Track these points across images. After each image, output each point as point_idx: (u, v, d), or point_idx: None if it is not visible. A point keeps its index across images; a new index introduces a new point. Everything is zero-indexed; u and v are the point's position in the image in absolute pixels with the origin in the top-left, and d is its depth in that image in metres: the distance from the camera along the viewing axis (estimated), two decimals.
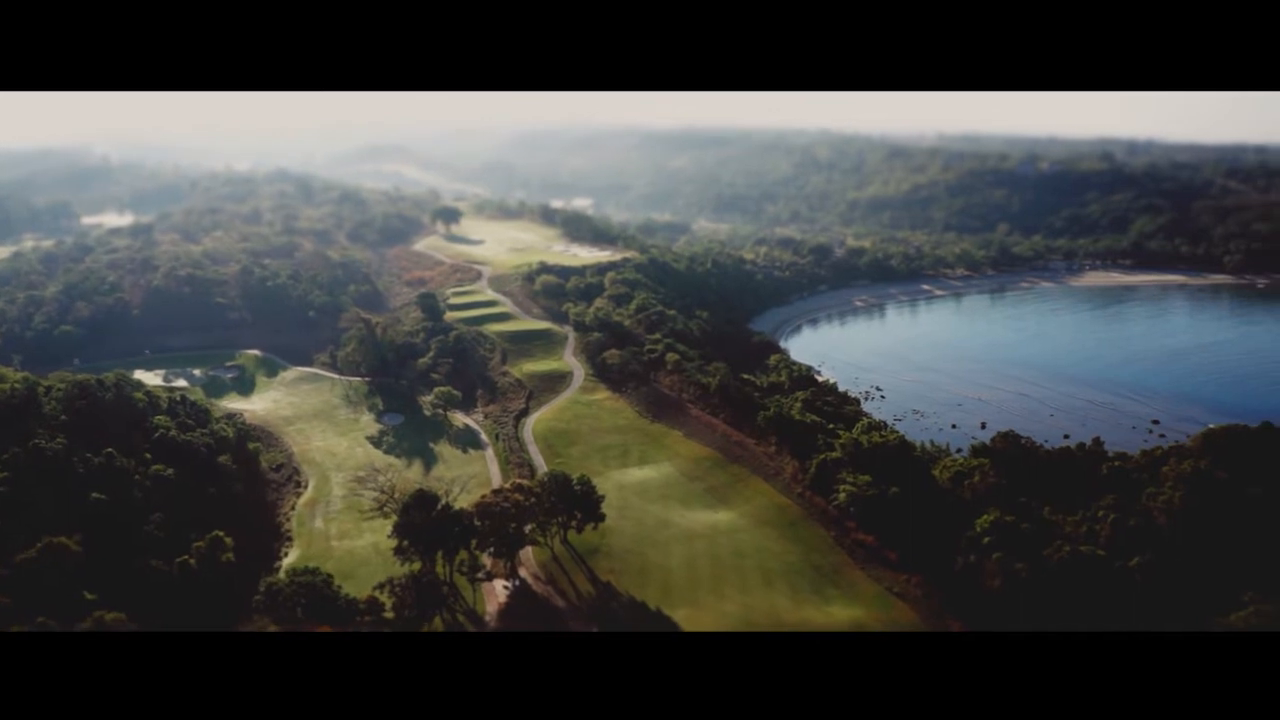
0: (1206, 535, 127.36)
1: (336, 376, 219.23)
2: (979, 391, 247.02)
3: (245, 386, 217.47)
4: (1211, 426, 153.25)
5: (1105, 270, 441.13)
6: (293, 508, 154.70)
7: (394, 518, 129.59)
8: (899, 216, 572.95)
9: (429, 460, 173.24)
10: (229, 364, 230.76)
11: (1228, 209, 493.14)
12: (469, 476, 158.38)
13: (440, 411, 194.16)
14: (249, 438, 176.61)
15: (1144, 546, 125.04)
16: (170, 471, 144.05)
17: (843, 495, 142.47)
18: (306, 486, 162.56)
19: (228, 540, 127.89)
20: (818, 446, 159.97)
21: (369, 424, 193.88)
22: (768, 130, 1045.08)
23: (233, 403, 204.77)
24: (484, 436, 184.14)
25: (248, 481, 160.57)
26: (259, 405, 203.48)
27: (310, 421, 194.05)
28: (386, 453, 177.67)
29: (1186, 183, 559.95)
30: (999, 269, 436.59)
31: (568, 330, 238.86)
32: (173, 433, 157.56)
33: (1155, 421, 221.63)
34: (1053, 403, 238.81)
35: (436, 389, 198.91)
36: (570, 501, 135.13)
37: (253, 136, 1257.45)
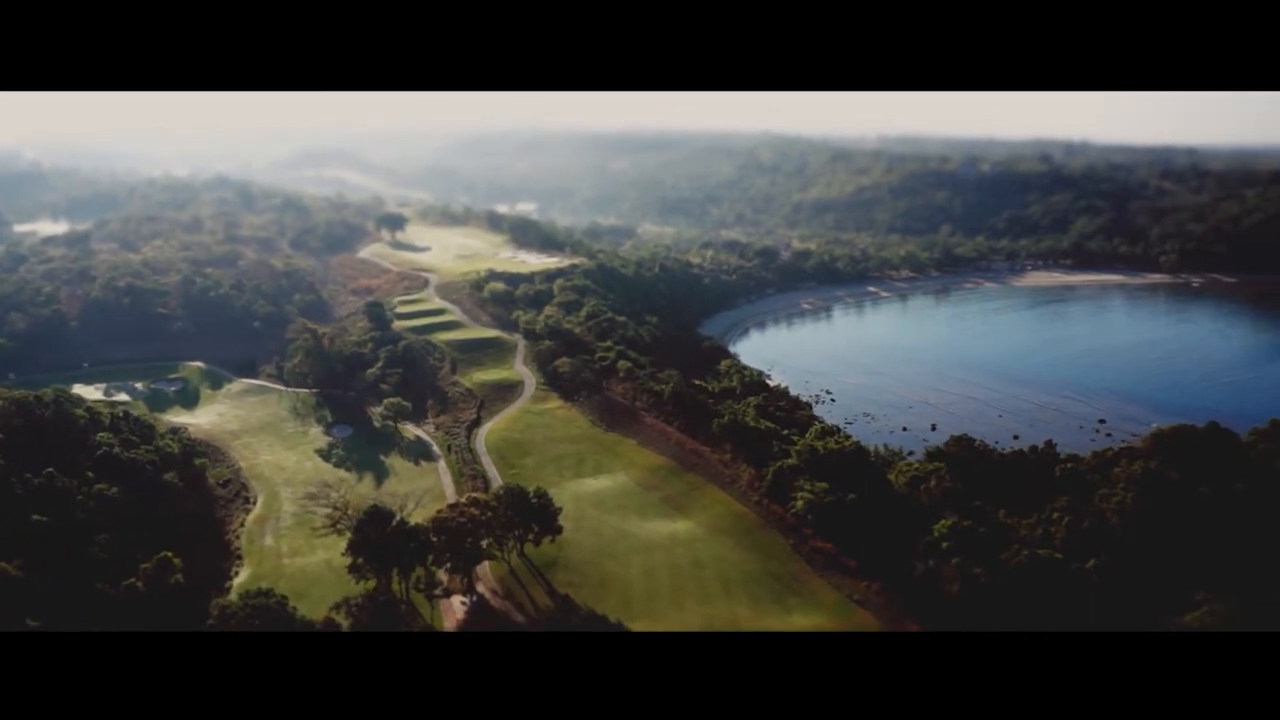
0: (1159, 535, 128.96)
1: (283, 388, 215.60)
2: (927, 394, 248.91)
3: (189, 399, 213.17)
4: (1161, 427, 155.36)
5: (1047, 270, 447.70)
6: (242, 525, 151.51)
7: (348, 535, 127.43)
8: (843, 218, 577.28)
9: (380, 473, 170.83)
10: (172, 376, 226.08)
11: (1163, 210, 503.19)
12: (423, 491, 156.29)
13: (390, 423, 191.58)
14: (195, 453, 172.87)
15: (1098, 548, 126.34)
16: (114, 491, 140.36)
17: (800, 503, 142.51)
18: (255, 502, 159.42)
19: (176, 561, 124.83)
20: (773, 453, 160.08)
21: (318, 437, 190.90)
22: (709, 133, 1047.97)
23: (177, 416, 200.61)
24: (436, 448, 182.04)
25: (195, 499, 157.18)
26: (204, 419, 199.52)
27: (257, 435, 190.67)
28: (336, 466, 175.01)
29: (1123, 184, 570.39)
30: (943, 270, 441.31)
31: (517, 338, 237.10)
32: (116, 450, 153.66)
33: (1101, 421, 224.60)
34: (1000, 404, 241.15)
35: (386, 400, 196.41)
36: (527, 514, 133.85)
37: (187, 141, 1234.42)
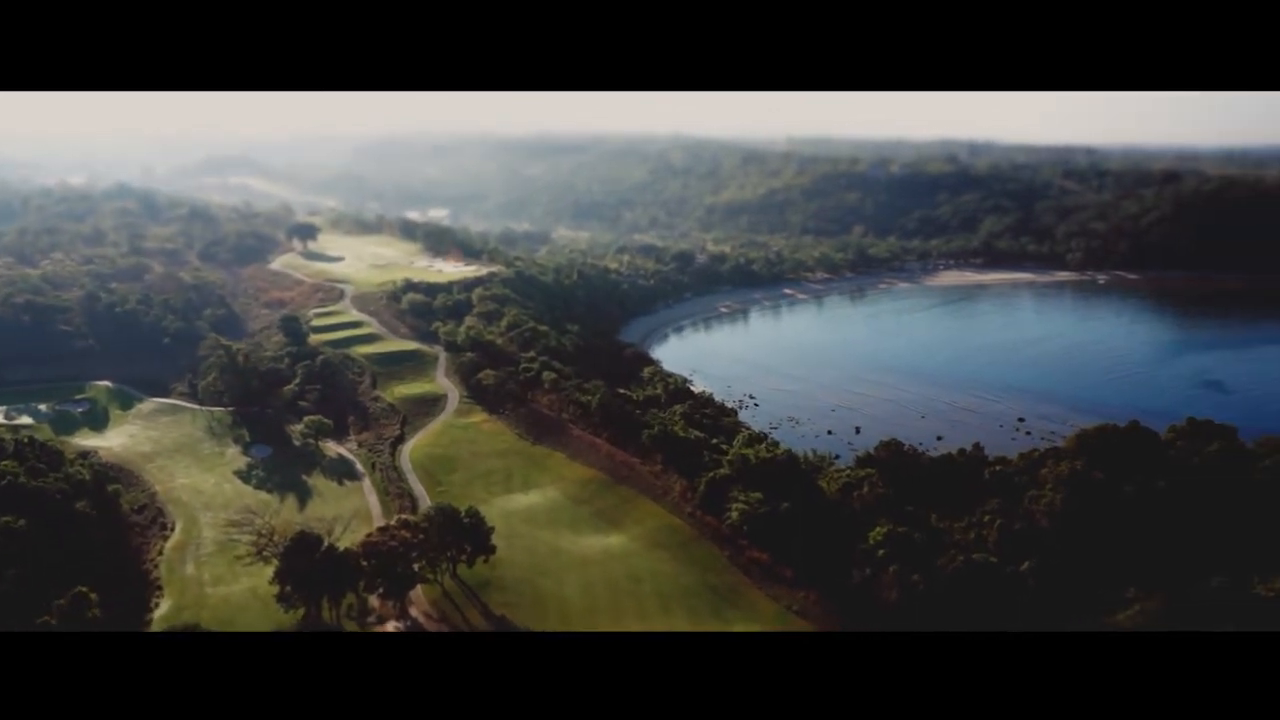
0: (1087, 535, 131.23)
1: (197, 407, 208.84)
2: (849, 396, 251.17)
3: (98, 421, 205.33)
4: (1085, 428, 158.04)
5: (959, 269, 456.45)
6: (160, 553, 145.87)
7: (274, 562, 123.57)
8: (756, 221, 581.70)
9: (303, 494, 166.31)
10: (78, 397, 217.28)
11: (1067, 209, 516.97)
12: (350, 513, 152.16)
13: (311, 441, 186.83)
14: (107, 479, 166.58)
15: (1031, 550, 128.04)
16: (22, 523, 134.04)
17: (735, 514, 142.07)
18: (173, 529, 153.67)
19: (92, 595, 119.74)
20: (705, 464, 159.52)
21: (236, 457, 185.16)
22: (622, 135, 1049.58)
23: (85, 440, 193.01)
24: (359, 466, 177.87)
25: (109, 527, 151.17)
26: (115, 441, 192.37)
27: (172, 457, 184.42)
28: (257, 488, 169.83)
29: (1028, 183, 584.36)
30: (857, 271, 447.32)
31: (438, 350, 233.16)
32: (22, 479, 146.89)
33: (1021, 420, 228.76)
34: (920, 404, 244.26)
35: (306, 418, 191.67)
36: (459, 535, 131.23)
37: (80, 150, 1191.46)
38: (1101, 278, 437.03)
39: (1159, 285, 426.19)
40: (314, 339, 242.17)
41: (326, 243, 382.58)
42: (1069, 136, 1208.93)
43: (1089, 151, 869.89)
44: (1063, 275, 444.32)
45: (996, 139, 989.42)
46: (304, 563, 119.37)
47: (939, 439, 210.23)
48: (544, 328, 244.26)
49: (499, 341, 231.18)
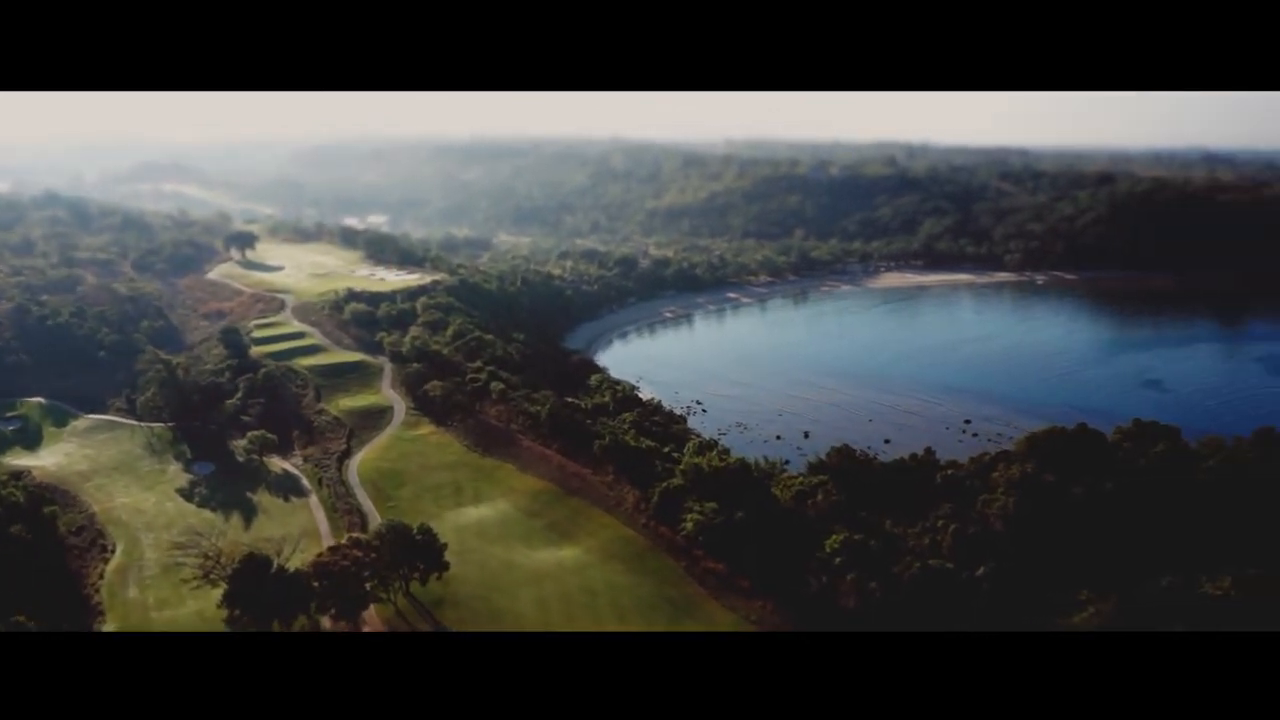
0: (1040, 538, 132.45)
1: (136, 423, 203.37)
2: (795, 400, 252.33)
3: (31, 439, 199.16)
4: (1035, 431, 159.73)
5: (900, 271, 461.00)
6: (101, 576, 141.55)
7: (222, 585, 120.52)
8: (698, 224, 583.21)
9: (249, 512, 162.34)
10: (9, 415, 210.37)
11: (1004, 210, 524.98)
12: (299, 532, 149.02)
13: (255, 457, 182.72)
14: (43, 500, 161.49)
15: (986, 554, 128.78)
16: None
17: (690, 524, 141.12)
18: (114, 551, 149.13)
19: (30, 622, 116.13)
20: (657, 473, 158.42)
21: (177, 475, 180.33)
22: (561, 139, 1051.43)
23: (17, 459, 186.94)
24: (306, 482, 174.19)
25: (46, 551, 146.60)
26: (49, 460, 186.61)
27: (111, 476, 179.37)
28: (200, 506, 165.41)
29: (966, 185, 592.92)
30: (800, 274, 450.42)
31: (383, 361, 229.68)
32: None
33: (967, 421, 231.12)
34: (867, 407, 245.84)
35: (250, 433, 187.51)
36: (411, 552, 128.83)
37: (2, 156, 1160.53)
38: (1040, 278, 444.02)
39: (1095, 285, 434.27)
40: (255, 351, 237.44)
41: (265, 251, 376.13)
42: (1003, 138, 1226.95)
43: (1023, 153, 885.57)
44: (1002, 276, 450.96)
45: (932, 141, 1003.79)
46: (253, 585, 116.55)
47: (887, 442, 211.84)
48: (490, 337, 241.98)
49: (445, 351, 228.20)
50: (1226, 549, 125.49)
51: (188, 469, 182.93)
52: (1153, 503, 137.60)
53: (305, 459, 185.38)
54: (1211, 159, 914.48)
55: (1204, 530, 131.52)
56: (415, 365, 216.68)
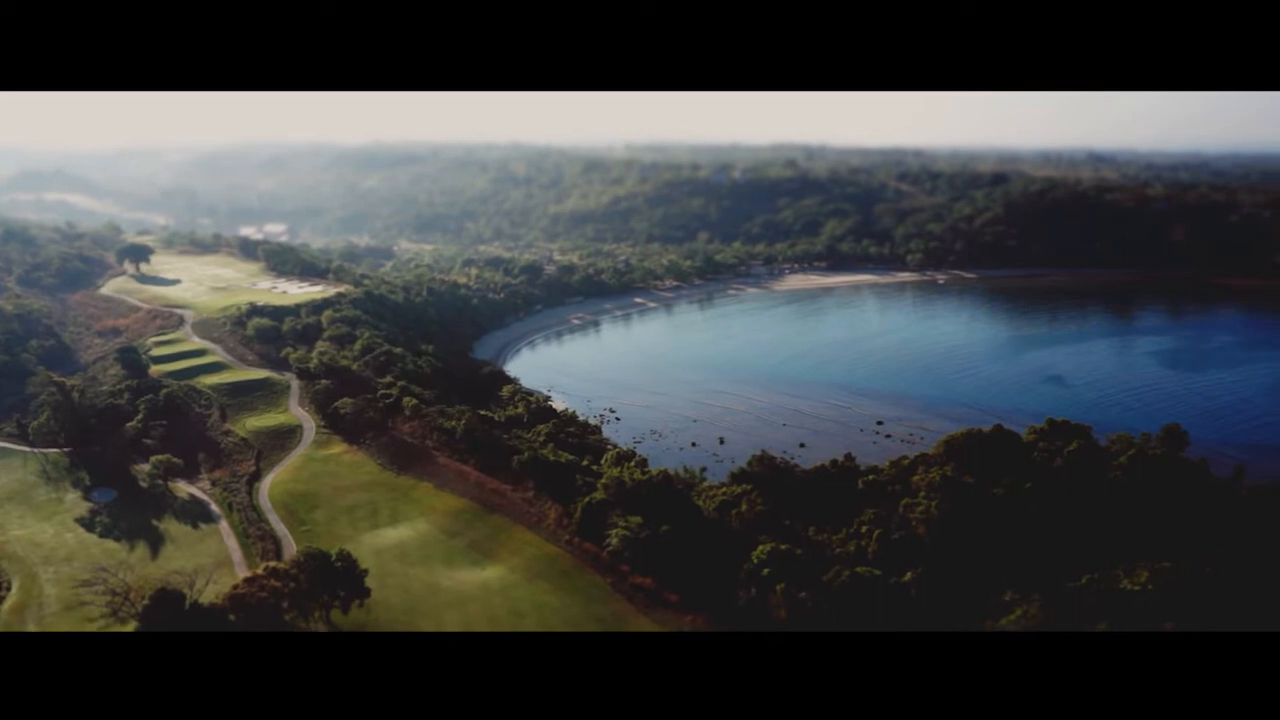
0: (964, 541, 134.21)
1: (29, 450, 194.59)
2: (708, 406, 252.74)
3: None
4: (953, 434, 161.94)
5: (804, 273, 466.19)
6: None
7: (132, 623, 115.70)
8: (602, 229, 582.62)
9: (155, 542, 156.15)
10: None
11: (904, 211, 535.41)
12: (212, 562, 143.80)
13: (159, 482, 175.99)
14: None
15: (912, 559, 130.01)
16: None
17: (615, 540, 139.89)
18: (9, 588, 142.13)
19: None
20: (578, 488, 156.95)
21: (76, 503, 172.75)
22: (461, 144, 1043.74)
23: None
24: (215, 507, 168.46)
25: None
26: None
27: (3, 507, 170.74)
28: (103, 536, 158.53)
29: (866, 186, 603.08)
30: (705, 277, 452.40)
31: (290, 378, 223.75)
32: None
33: (879, 422, 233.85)
34: (779, 411, 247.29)
35: (152, 457, 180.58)
36: (331, 580, 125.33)
37: None
38: (941, 278, 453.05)
39: (994, 284, 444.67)
40: (155, 370, 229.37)
41: (161, 264, 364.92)
42: (899, 139, 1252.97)
43: (919, 154, 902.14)
44: (904, 276, 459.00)
45: (830, 142, 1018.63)
46: (166, 622, 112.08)
47: (801, 446, 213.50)
48: (399, 350, 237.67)
49: (354, 366, 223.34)
50: (1141, 544, 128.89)
51: (87, 497, 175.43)
52: (1070, 501, 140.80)
53: (213, 483, 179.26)
54: (1097, 159, 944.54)
55: (1119, 526, 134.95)
56: (324, 382, 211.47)
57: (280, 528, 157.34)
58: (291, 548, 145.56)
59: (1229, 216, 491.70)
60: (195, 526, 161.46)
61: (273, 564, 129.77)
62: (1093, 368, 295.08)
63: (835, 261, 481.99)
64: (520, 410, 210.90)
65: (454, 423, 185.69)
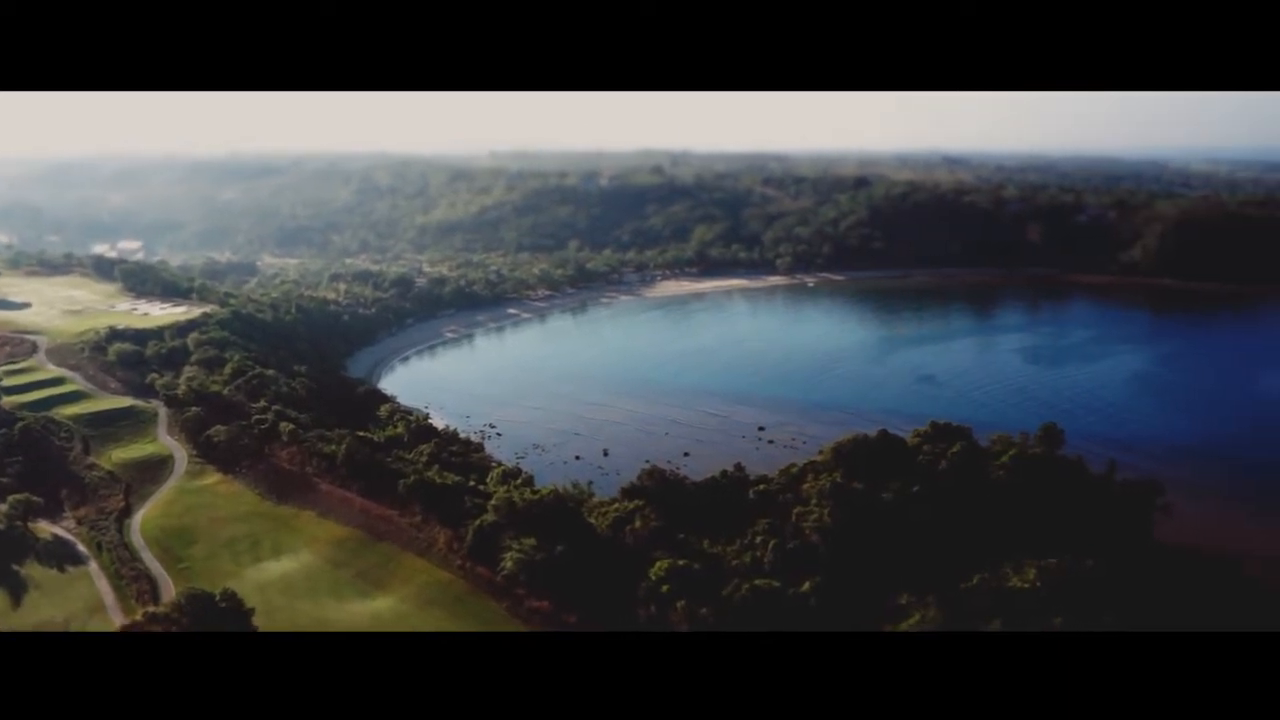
0: (857, 547, 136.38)
1: None
2: (587, 418, 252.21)
3: None
4: (841, 440, 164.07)
5: (676, 279, 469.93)
6: None
7: None
8: (471, 239, 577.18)
9: (18, 589, 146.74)
10: None
11: (772, 215, 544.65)
12: (84, 609, 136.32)
13: (19, 524, 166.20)
14: None
15: (807, 568, 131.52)
16: None
17: (509, 562, 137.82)
18: None
19: None
20: (468, 510, 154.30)
21: None
22: (322, 154, 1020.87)
23: None
24: (82, 548, 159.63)
25: None
26: None
27: None
28: None
29: (732, 191, 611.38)
30: (577, 286, 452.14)
31: (157, 405, 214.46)
32: None
33: (761, 428, 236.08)
34: (660, 420, 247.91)
35: (10, 496, 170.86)
36: (216, 620, 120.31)
37: None
38: (810, 281, 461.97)
39: (862, 285, 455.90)
40: (7, 401, 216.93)
41: (6, 287, 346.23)
42: (759, 143, 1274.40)
43: (780, 158, 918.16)
44: (774, 280, 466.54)
45: (692, 148, 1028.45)
46: None
47: (686, 455, 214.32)
48: (271, 372, 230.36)
49: (225, 391, 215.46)
50: (1026, 541, 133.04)
51: None
52: (956, 502, 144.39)
53: (79, 521, 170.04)
54: (951, 161, 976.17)
55: (1004, 525, 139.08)
56: (194, 409, 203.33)
57: (156, 567, 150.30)
58: (170, 588, 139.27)
59: (1077, 217, 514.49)
60: (62, 570, 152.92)
61: (151, 608, 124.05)
62: (962, 367, 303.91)
63: (706, 267, 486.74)
64: (400, 430, 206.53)
65: (334, 447, 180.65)
